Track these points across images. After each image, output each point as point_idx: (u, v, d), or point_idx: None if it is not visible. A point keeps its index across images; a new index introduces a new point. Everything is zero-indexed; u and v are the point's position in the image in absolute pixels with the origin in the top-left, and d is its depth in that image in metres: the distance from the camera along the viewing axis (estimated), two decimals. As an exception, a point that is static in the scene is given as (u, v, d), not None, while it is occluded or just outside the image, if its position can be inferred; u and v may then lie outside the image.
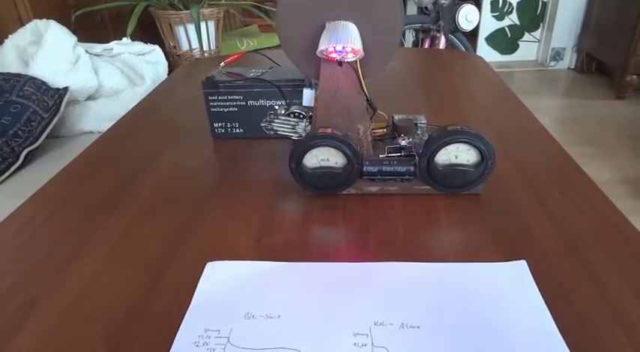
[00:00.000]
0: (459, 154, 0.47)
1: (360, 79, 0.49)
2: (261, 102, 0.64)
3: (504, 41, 3.08)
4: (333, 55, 0.46)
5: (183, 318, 0.36)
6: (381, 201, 0.49)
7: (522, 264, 0.39)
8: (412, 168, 0.49)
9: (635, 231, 0.42)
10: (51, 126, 1.18)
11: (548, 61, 2.99)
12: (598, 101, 2.48)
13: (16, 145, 1.09)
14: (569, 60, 2.98)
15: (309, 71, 0.52)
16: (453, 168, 0.47)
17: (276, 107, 0.56)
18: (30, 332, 0.35)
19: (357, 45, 0.45)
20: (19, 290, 0.40)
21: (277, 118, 0.55)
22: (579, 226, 0.43)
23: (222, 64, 0.66)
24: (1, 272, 0.42)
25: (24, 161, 1.11)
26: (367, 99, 0.51)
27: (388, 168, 0.49)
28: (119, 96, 1.37)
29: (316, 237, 0.45)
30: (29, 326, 0.36)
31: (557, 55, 2.97)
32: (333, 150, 0.48)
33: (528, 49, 3.09)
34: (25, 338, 0.35)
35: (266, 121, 0.56)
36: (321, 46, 0.45)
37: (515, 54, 3.11)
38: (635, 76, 2.40)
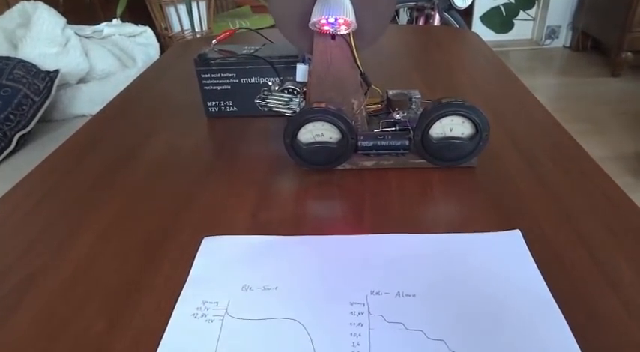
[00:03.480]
0: (453, 127, 0.47)
1: (353, 52, 0.48)
2: (255, 79, 0.63)
3: (499, 20, 3.05)
4: (326, 28, 0.45)
5: (180, 292, 0.36)
6: (377, 175, 0.49)
7: (517, 233, 0.39)
8: (407, 142, 0.49)
9: (628, 200, 0.43)
10: (43, 110, 1.16)
11: (543, 39, 2.97)
12: (593, 79, 2.48)
13: (8, 129, 1.08)
14: (564, 38, 2.96)
15: (303, 45, 0.51)
16: (448, 141, 0.47)
17: (270, 83, 0.56)
18: (29, 307, 0.35)
19: (350, 16, 0.44)
20: (16, 267, 0.40)
21: (271, 94, 0.55)
22: (573, 196, 0.44)
23: (214, 41, 0.65)
24: (-3, 251, 0.42)
25: (17, 145, 1.10)
26: (361, 74, 0.51)
27: (383, 143, 0.49)
28: (111, 78, 1.35)
29: (312, 211, 0.45)
30: (28, 301, 0.36)
31: (553, 33, 2.96)
32: (327, 125, 0.47)
33: (523, 27, 3.07)
34: (25, 313, 0.35)
35: (260, 98, 0.55)
36: (314, 18, 0.45)
37: (510, 33, 3.09)
38: (630, 53, 2.39)
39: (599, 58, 2.71)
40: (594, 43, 2.80)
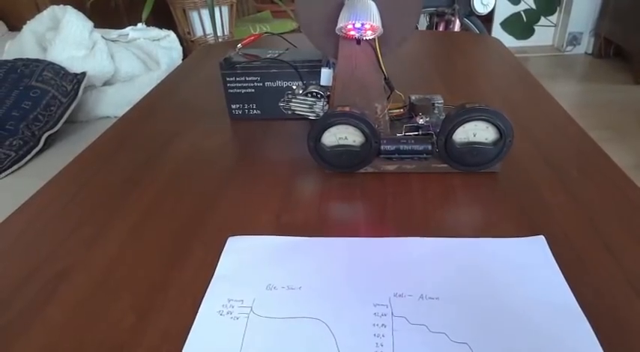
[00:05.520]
0: (477, 132, 0.47)
1: (378, 57, 0.49)
2: (278, 83, 0.64)
3: (520, 26, 3.02)
4: (352, 33, 0.46)
5: (206, 289, 0.37)
6: (399, 179, 0.50)
7: (541, 239, 0.39)
8: (430, 147, 0.49)
9: (655, 208, 0.42)
10: (70, 111, 1.20)
11: (564, 45, 2.93)
12: (616, 86, 2.44)
13: (37, 129, 1.11)
14: (586, 44, 2.92)
15: (328, 50, 0.52)
16: (471, 146, 0.47)
17: (294, 87, 0.57)
18: (62, 302, 0.37)
19: (377, 22, 0.45)
20: (49, 263, 0.41)
21: (295, 98, 0.56)
22: (598, 202, 0.43)
23: (239, 45, 0.67)
24: (30, 247, 0.43)
25: (44, 145, 1.13)
26: (385, 78, 0.52)
27: (406, 147, 0.50)
28: (135, 81, 1.38)
29: (335, 213, 0.45)
30: (61, 296, 0.37)
31: (574, 40, 2.92)
32: (351, 129, 0.48)
33: (544, 33, 3.04)
34: (58, 308, 0.36)
35: (284, 101, 0.56)
36: (340, 23, 0.45)
37: (531, 39, 3.06)
38: (654, 60, 2.34)
39: (622, 65, 2.66)
40: (617, 49, 2.75)
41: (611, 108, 2.19)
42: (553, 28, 3.02)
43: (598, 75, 2.61)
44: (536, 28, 3.03)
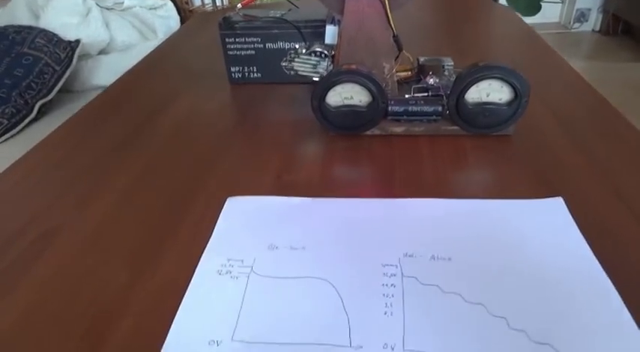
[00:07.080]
0: (490, 92, 0.45)
1: (386, 11, 0.46)
2: (280, 44, 0.61)
3: (526, 2, 2.95)
4: (361, -18, 0.43)
5: (204, 249, 0.35)
6: (407, 142, 0.47)
7: (559, 200, 0.37)
8: (440, 108, 0.47)
9: (678, 171, 0.40)
10: (63, 79, 1.16)
11: (572, 22, 2.87)
12: (623, 64, 2.39)
13: (30, 97, 1.08)
14: (594, 21, 2.86)
15: (333, 5, 0.49)
16: (484, 107, 0.45)
17: (297, 46, 0.54)
18: (49, 260, 0.35)
19: (387, -30, 0.42)
20: (37, 222, 0.39)
21: (298, 57, 0.53)
22: (618, 164, 0.41)
23: (239, 5, 0.63)
24: (18, 204, 0.41)
25: (38, 114, 1.10)
26: (394, 35, 0.49)
27: (415, 108, 0.47)
28: (131, 50, 1.34)
29: (339, 175, 0.43)
30: (49, 255, 0.35)
31: (582, 17, 2.85)
32: (357, 87, 0.45)
33: (551, 10, 2.96)
34: (45, 267, 0.34)
35: (286, 60, 0.53)
36: (348, -29, 0.42)
37: (538, 15, 2.98)
38: (663, 38, 2.29)
39: (630, 43, 2.61)
40: (625, 26, 2.69)
41: (618, 86, 2.15)
42: (560, 5, 2.95)
43: (606, 53, 2.57)
44: (543, 4, 2.95)
